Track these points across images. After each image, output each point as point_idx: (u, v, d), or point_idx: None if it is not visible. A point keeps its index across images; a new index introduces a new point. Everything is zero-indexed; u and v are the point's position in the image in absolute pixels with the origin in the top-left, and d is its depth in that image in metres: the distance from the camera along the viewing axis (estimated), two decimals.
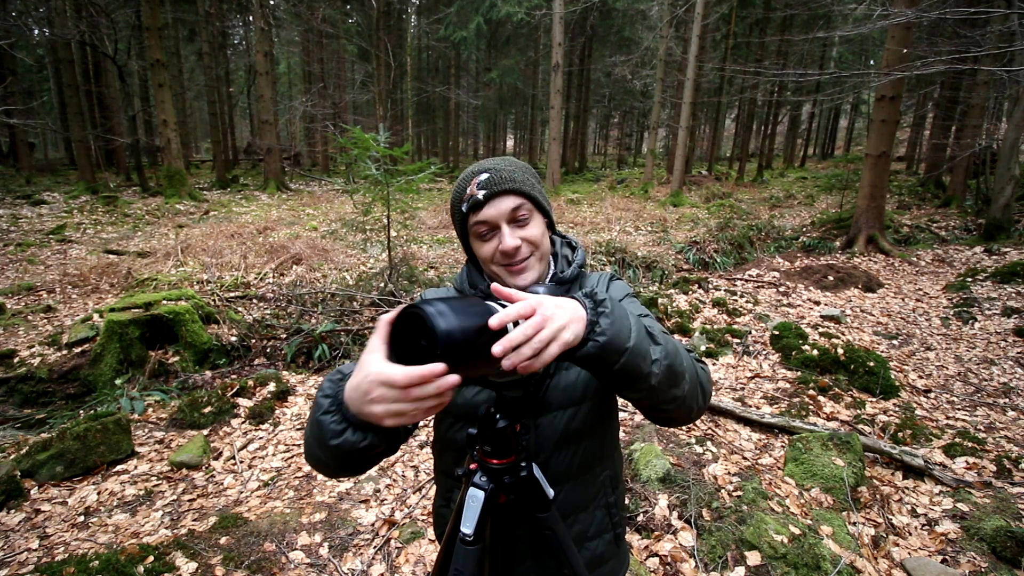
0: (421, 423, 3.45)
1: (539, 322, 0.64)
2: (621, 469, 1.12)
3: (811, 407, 3.79)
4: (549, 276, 1.04)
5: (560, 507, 0.97)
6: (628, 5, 20.73)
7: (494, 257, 0.97)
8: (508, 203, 0.94)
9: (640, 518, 2.46)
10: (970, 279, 7.02)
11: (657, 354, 0.76)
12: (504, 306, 0.68)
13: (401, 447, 3.16)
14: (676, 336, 5.02)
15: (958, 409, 3.99)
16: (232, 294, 6.03)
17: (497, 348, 0.61)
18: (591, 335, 0.69)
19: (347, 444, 0.72)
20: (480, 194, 0.94)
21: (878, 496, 2.79)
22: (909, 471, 3.06)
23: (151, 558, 2.14)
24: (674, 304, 5.54)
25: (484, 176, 0.95)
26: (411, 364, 0.60)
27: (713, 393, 3.88)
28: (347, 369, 0.75)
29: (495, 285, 0.70)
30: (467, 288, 1.06)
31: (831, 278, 7.17)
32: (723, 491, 2.64)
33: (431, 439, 3.34)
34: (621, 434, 3.26)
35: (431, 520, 2.57)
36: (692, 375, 0.84)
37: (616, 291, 1.06)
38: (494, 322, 0.62)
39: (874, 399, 4.00)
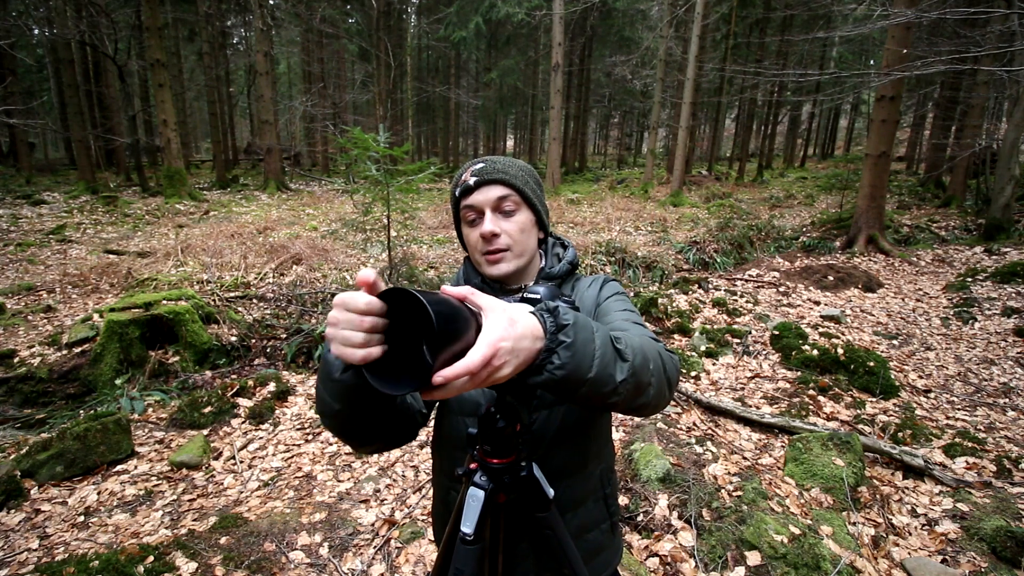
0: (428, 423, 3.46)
1: (480, 369, 0.58)
2: (613, 461, 1.16)
3: (811, 407, 3.79)
4: (537, 272, 1.07)
5: (559, 503, 0.98)
6: (628, 5, 20.70)
7: (477, 244, 1.01)
8: (495, 192, 0.99)
9: (640, 518, 2.46)
10: (970, 279, 7.02)
11: (623, 374, 0.72)
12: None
13: (403, 447, 3.12)
14: (674, 338, 5.01)
15: (958, 409, 3.99)
16: (232, 294, 6.03)
17: (438, 378, 0.56)
18: (546, 366, 0.65)
19: (344, 381, 0.71)
20: (472, 180, 0.99)
21: (878, 496, 2.79)
22: (909, 471, 3.06)
23: (151, 558, 2.15)
24: (674, 304, 5.54)
25: (479, 165, 1.01)
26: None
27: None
28: None
29: (444, 286, 0.66)
30: (462, 284, 1.08)
31: (831, 278, 7.16)
32: (723, 491, 2.64)
33: (431, 438, 3.35)
34: (621, 433, 3.26)
35: (431, 520, 2.57)
36: (659, 378, 0.79)
37: (607, 291, 1.08)
38: (438, 380, 0.56)
39: (874, 399, 4.00)
